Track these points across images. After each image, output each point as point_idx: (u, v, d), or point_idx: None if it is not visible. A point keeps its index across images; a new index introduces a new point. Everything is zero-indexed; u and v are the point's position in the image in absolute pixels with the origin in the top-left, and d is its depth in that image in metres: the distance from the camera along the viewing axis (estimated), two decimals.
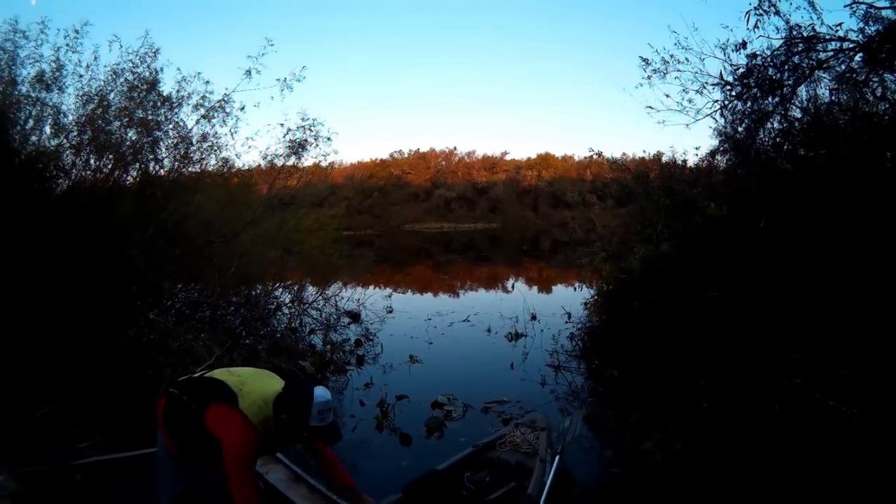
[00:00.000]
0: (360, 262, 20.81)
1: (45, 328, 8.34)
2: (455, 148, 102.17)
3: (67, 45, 11.04)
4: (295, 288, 15.28)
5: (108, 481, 6.46)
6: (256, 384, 4.39)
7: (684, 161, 13.74)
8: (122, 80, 11.37)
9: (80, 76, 11.18)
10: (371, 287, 20.90)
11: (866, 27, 9.24)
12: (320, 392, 4.37)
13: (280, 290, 14.85)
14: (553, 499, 5.63)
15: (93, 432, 7.38)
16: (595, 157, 15.54)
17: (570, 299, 16.66)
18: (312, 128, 13.94)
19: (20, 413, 7.30)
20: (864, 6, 9.20)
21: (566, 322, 14.60)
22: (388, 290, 21.05)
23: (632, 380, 9.68)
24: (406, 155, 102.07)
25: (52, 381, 7.86)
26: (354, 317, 15.84)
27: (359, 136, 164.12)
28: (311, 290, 15.90)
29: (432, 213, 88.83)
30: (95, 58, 11.31)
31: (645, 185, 13.01)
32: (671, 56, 11.00)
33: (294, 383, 4.44)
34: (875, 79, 9.39)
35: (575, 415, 7.45)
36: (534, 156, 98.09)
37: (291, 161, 14.26)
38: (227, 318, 11.95)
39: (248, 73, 12.39)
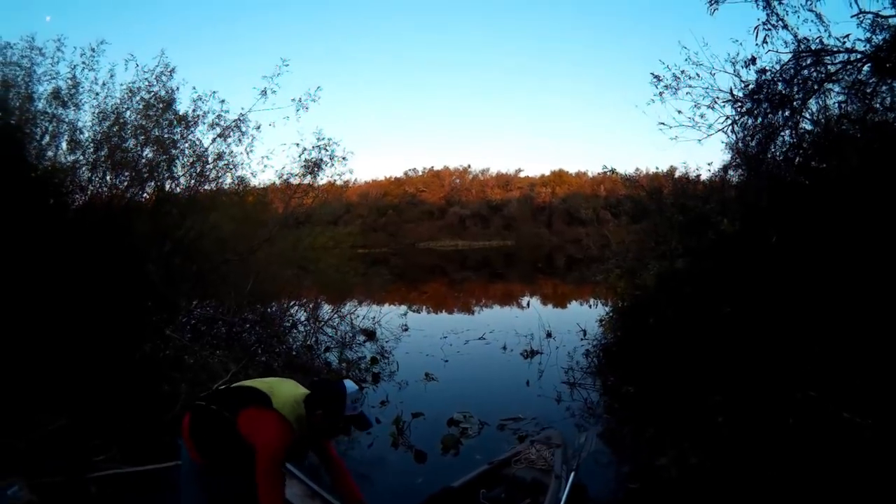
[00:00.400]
0: (376, 280, 20.92)
1: (62, 342, 8.43)
2: (469, 166, 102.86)
3: (84, 62, 11.17)
4: (310, 306, 15.35)
5: (124, 494, 6.57)
6: (284, 387, 4.55)
7: (697, 176, 13.72)
8: (137, 98, 11.50)
9: (97, 94, 11.31)
10: (386, 305, 21.07)
11: (873, 36, 9.24)
12: (349, 384, 4.50)
13: (296, 307, 14.88)
14: None
15: (109, 446, 7.44)
16: (609, 173, 15.56)
17: (585, 316, 16.63)
18: (328, 147, 14.11)
19: (36, 426, 7.37)
20: (870, 15, 9.20)
21: (581, 339, 14.57)
22: (404, 308, 20.93)
23: (647, 396, 9.66)
24: (420, 173, 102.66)
25: (67, 395, 7.95)
26: (370, 335, 15.80)
27: (373, 155, 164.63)
28: (326, 308, 15.99)
29: (447, 230, 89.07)
30: (111, 76, 11.43)
31: (658, 201, 12.96)
32: (682, 72, 11.01)
33: (321, 382, 4.61)
34: (884, 88, 9.37)
35: (590, 431, 7.46)
36: (548, 173, 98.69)
37: (307, 180, 14.37)
38: (242, 335, 11.95)
39: (264, 92, 12.52)
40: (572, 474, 6.30)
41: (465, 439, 8.89)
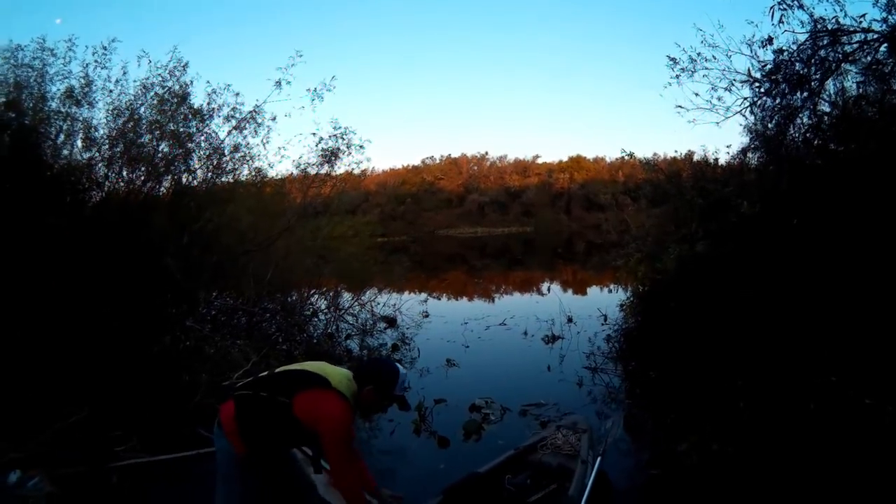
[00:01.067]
0: (396, 269, 20.93)
1: (82, 336, 8.48)
2: (487, 153, 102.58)
3: (96, 61, 11.20)
4: (331, 294, 15.43)
5: (145, 484, 6.65)
6: (331, 367, 4.57)
7: (716, 159, 13.62)
8: (151, 93, 11.57)
9: (110, 91, 11.38)
10: (406, 292, 21.04)
11: (889, 16, 9.13)
12: (397, 364, 4.64)
13: (316, 296, 15.01)
14: (594, 500, 5.61)
15: (130, 436, 7.55)
16: (627, 157, 15.50)
17: (605, 301, 16.67)
18: (344, 136, 14.06)
19: (57, 417, 7.44)
20: None
21: (602, 324, 14.56)
22: (424, 296, 20.93)
23: (668, 380, 9.59)
24: (438, 161, 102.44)
25: (88, 387, 8.00)
26: (391, 322, 15.85)
27: (390, 144, 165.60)
28: (346, 297, 15.99)
29: (465, 218, 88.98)
30: (124, 73, 11.49)
31: (678, 184, 12.89)
32: (698, 54, 10.90)
33: (374, 359, 4.67)
34: None
35: (616, 416, 7.42)
36: (565, 158, 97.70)
37: (325, 169, 14.34)
38: (262, 324, 12.03)
39: (279, 84, 12.50)
40: (598, 460, 6.27)
41: (488, 425, 8.88)
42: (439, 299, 23.13)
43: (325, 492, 5.20)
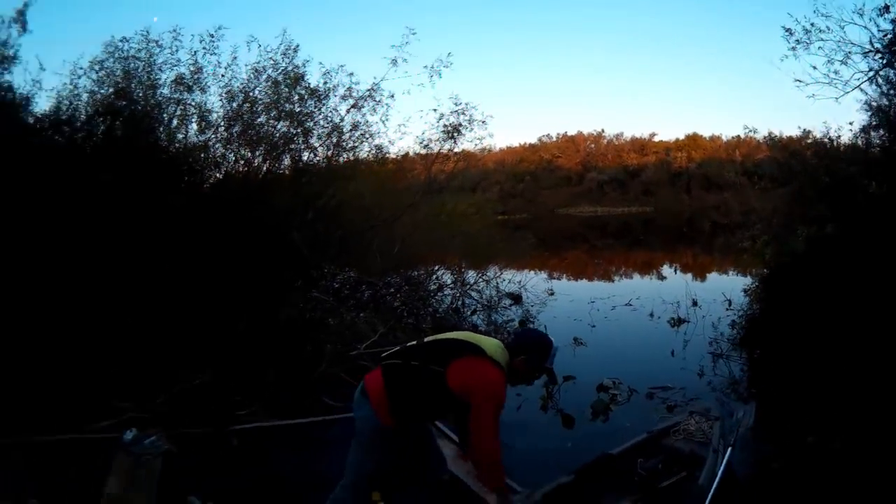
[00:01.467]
0: (521, 245, 20.89)
1: (207, 305, 8.84)
2: (603, 130, 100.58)
3: (204, 48, 11.60)
4: (455, 269, 15.53)
5: (266, 447, 6.81)
6: (483, 337, 4.62)
7: (838, 136, 13.11)
8: (264, 76, 11.93)
9: (221, 75, 11.81)
10: (530, 271, 20.93)
11: None
12: (550, 337, 4.75)
13: (440, 271, 15.16)
14: (722, 491, 5.52)
15: (251, 402, 7.78)
16: (749, 135, 15.24)
17: (730, 285, 16.32)
18: (465, 112, 14.09)
19: (180, 380, 7.81)
20: None
21: (727, 309, 14.29)
22: (548, 274, 21.10)
23: (794, 370, 9.32)
24: (554, 139, 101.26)
25: (212, 354, 8.31)
26: (516, 298, 15.85)
27: (506, 122, 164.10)
28: (471, 273, 16.04)
29: (584, 196, 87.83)
30: (234, 58, 11.93)
31: (802, 162, 12.47)
32: (812, 25, 10.61)
33: (527, 329, 4.71)
34: None
35: (749, 405, 7.26)
36: (681, 136, 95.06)
37: (447, 146, 14.38)
38: (387, 298, 12.21)
39: (394, 62, 12.76)
40: (729, 450, 6.16)
41: (614, 406, 8.80)
42: (563, 278, 23.11)
43: (454, 464, 5.22)
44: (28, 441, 6.29)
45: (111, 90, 10.85)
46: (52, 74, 11.26)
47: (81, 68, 11.02)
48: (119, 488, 5.15)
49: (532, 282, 17.40)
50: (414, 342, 4.61)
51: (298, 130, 12.16)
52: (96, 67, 11.10)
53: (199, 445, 6.59)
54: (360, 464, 4.48)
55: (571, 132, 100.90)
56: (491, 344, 4.46)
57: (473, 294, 14.93)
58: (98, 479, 5.22)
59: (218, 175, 11.78)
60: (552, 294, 17.39)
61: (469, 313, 13.94)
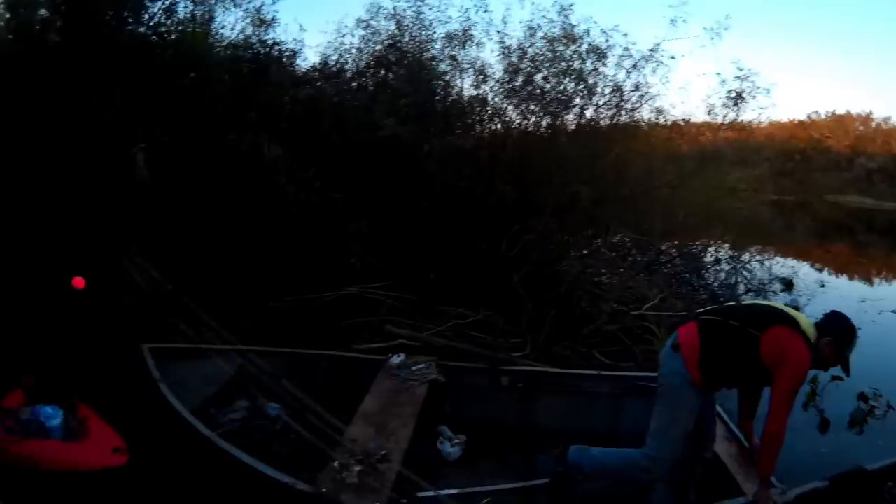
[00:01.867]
0: (798, 228, 20.17)
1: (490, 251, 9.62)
2: (871, 112, 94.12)
3: (475, 5, 11.81)
4: (731, 246, 15.11)
5: (533, 389, 6.81)
6: (794, 311, 4.56)
7: None
8: (540, 34, 11.97)
9: (497, 31, 11.90)
10: (801, 259, 19.97)
11: None
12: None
13: (717, 245, 14.76)
14: None
15: (524, 345, 8.28)
16: None
17: None
18: (749, 78, 13.32)
19: (453, 317, 8.62)
20: None
21: None
22: (820, 264, 20.21)
23: None
24: (823, 117, 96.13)
25: (489, 296, 9.09)
26: (788, 284, 15.09)
27: (777, 95, 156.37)
28: (746, 253, 15.44)
29: (853, 184, 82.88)
30: (508, 14, 12.04)
31: None
32: None
33: (832, 312, 4.64)
34: None
35: None
36: None
37: (730, 114, 13.77)
38: (663, 264, 11.96)
39: (673, 21, 12.10)
40: None
41: (870, 418, 8.32)
42: (835, 272, 21.75)
43: (719, 445, 5.24)
44: (293, 353, 6.72)
45: (379, 47, 11.70)
46: (316, 33, 12.29)
47: (346, 26, 12.09)
48: (376, 408, 5.47)
49: (804, 270, 16.83)
50: (732, 303, 4.62)
51: (581, 87, 12.05)
52: (362, 25, 12.01)
53: (466, 378, 6.78)
54: (671, 419, 4.43)
55: (840, 111, 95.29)
56: (804, 319, 4.42)
57: (745, 273, 14.37)
58: (354, 396, 5.65)
59: (496, 127, 12.11)
60: (823, 286, 16.38)
61: (742, 292, 13.45)
